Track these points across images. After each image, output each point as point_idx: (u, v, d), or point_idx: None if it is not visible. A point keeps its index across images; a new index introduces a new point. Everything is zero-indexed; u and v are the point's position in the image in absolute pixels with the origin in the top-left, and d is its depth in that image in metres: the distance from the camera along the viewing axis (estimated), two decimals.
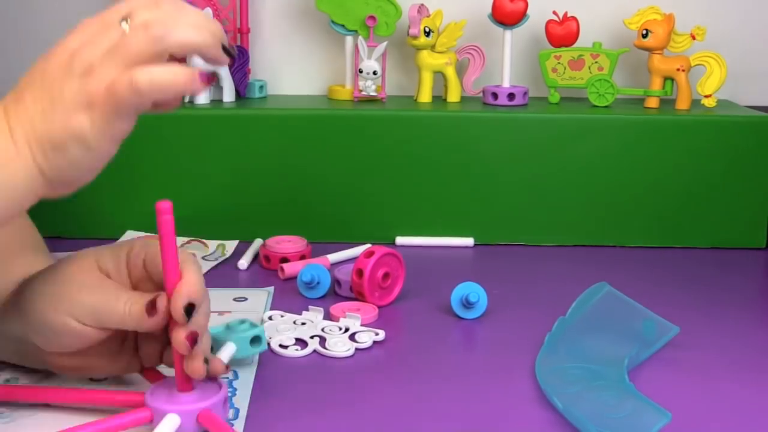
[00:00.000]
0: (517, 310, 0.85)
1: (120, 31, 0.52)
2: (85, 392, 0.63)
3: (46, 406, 0.63)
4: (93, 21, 0.53)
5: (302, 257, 0.96)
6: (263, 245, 0.98)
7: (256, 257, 0.99)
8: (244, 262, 0.96)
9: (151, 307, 0.59)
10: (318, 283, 0.87)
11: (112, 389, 0.65)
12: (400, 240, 1.06)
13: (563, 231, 1.07)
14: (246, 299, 0.87)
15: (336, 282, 0.88)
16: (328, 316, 0.82)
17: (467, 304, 0.81)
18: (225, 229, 1.04)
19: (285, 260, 0.95)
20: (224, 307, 0.84)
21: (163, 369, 0.66)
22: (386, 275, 0.85)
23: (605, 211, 1.07)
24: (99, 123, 0.51)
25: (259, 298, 0.88)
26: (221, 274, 0.93)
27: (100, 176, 1.13)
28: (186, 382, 0.60)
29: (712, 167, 1.05)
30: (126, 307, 0.59)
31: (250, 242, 1.02)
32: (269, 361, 0.72)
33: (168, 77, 0.51)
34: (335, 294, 0.88)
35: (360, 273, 0.84)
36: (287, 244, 0.97)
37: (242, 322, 0.72)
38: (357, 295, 0.85)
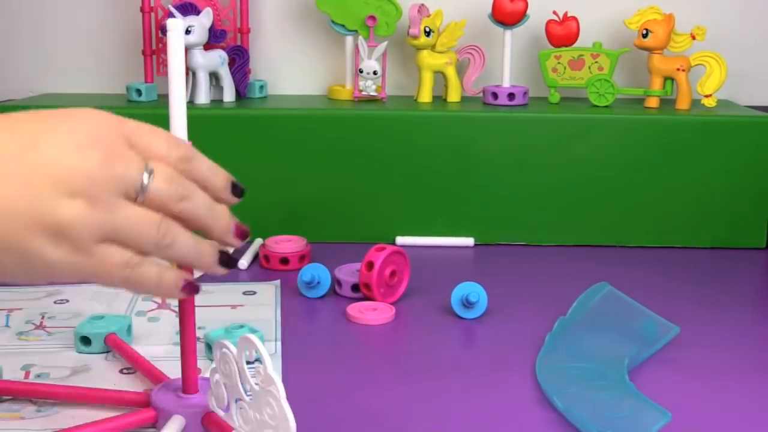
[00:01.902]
0: (517, 309, 0.85)
1: (138, 182, 0.45)
2: (91, 390, 0.64)
3: (54, 403, 0.63)
4: (115, 143, 0.45)
5: (302, 257, 0.97)
6: (263, 245, 0.98)
7: (255, 257, 0.99)
8: (244, 262, 0.96)
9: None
10: (318, 282, 0.87)
11: (117, 389, 0.65)
12: (400, 240, 1.06)
13: (563, 231, 1.07)
14: (255, 293, 0.88)
15: (336, 282, 0.88)
16: (345, 316, 0.82)
17: (467, 304, 0.81)
18: None
19: (285, 260, 0.95)
20: (236, 301, 0.85)
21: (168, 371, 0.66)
22: (393, 273, 0.85)
23: (605, 211, 1.07)
24: (65, 259, 0.44)
25: (267, 291, 0.89)
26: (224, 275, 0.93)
27: None
28: (191, 384, 0.60)
29: (712, 167, 1.05)
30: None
31: (249, 242, 1.02)
32: None
33: (153, 280, 0.47)
34: (335, 294, 0.88)
35: (370, 265, 0.84)
36: (287, 243, 0.97)
37: (241, 326, 0.72)
38: (363, 287, 0.85)
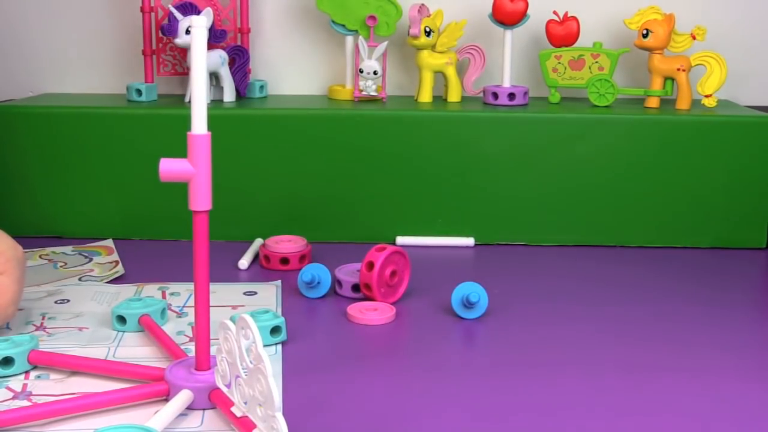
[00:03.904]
0: (517, 309, 0.85)
1: None
2: (112, 363, 0.69)
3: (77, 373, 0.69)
4: None
5: (302, 257, 0.97)
6: (263, 245, 0.98)
7: (256, 257, 0.99)
8: (244, 262, 0.96)
9: None
10: (318, 282, 0.87)
11: (137, 363, 0.69)
12: (400, 240, 1.06)
13: (563, 231, 1.07)
14: (256, 293, 0.88)
15: (337, 282, 0.88)
16: (345, 316, 0.82)
17: (468, 304, 0.81)
18: (225, 229, 1.04)
19: (285, 260, 0.95)
20: (237, 302, 0.85)
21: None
22: (393, 273, 0.85)
23: (605, 211, 1.07)
24: None
25: (269, 291, 0.89)
26: (222, 275, 0.93)
27: (96, 175, 1.13)
28: (204, 362, 0.63)
29: (712, 167, 1.05)
30: None
31: (250, 242, 1.02)
32: None
33: None
34: (336, 294, 0.88)
35: (370, 266, 0.84)
36: (287, 243, 0.97)
37: (265, 311, 0.76)
38: (363, 288, 0.85)
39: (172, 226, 1.05)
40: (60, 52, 1.21)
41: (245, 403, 0.57)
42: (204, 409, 0.62)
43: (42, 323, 0.79)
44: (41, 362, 0.69)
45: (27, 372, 0.69)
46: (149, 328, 0.76)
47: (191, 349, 0.73)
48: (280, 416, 0.53)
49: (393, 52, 1.17)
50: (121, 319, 0.78)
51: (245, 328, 0.56)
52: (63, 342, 0.75)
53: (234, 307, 0.84)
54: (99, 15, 1.19)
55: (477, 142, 1.05)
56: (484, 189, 1.06)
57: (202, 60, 0.58)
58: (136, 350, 0.73)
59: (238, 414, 0.58)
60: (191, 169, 0.60)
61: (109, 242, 1.04)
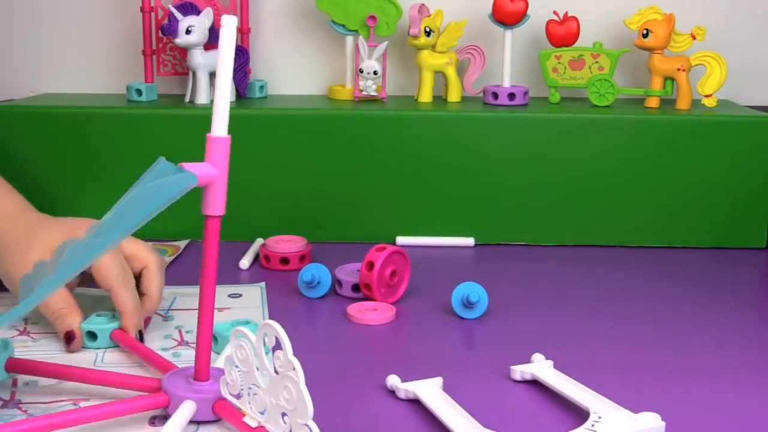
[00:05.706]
0: (518, 309, 0.85)
1: None
2: (104, 373, 0.66)
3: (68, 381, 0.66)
4: None
5: (302, 257, 0.97)
6: (263, 245, 0.98)
7: (256, 257, 0.99)
8: (245, 262, 0.96)
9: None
10: (318, 282, 0.87)
11: (130, 374, 0.66)
12: (400, 240, 1.06)
13: (563, 231, 1.07)
14: (241, 295, 0.87)
15: (337, 282, 0.88)
16: (345, 316, 0.82)
17: (468, 304, 0.81)
18: (225, 229, 1.04)
19: (285, 260, 0.95)
20: (222, 304, 0.84)
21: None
22: (393, 273, 0.85)
23: (605, 211, 1.07)
24: None
25: (254, 294, 0.88)
26: (222, 275, 0.93)
27: (95, 175, 1.13)
28: (203, 372, 0.61)
29: (712, 167, 1.05)
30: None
31: (250, 242, 1.02)
32: None
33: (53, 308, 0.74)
34: (336, 294, 0.88)
35: (370, 266, 0.84)
36: (287, 243, 0.97)
37: (247, 322, 0.74)
38: (363, 288, 0.85)
39: (170, 226, 1.05)
40: (60, 52, 1.21)
41: (262, 413, 0.56)
42: (199, 422, 0.60)
43: (25, 328, 0.78)
44: (22, 371, 0.66)
45: (15, 379, 0.67)
46: (125, 343, 0.72)
47: (180, 352, 0.72)
48: (312, 424, 0.51)
49: (393, 52, 1.17)
50: (92, 336, 0.73)
51: (271, 335, 0.54)
52: (47, 347, 0.74)
53: (220, 310, 0.82)
54: (99, 15, 1.19)
55: (477, 142, 1.05)
56: (484, 189, 1.06)
57: (229, 62, 0.56)
58: (125, 356, 0.72)
59: (253, 424, 0.56)
60: (216, 173, 0.57)
61: (182, 243, 1.03)
